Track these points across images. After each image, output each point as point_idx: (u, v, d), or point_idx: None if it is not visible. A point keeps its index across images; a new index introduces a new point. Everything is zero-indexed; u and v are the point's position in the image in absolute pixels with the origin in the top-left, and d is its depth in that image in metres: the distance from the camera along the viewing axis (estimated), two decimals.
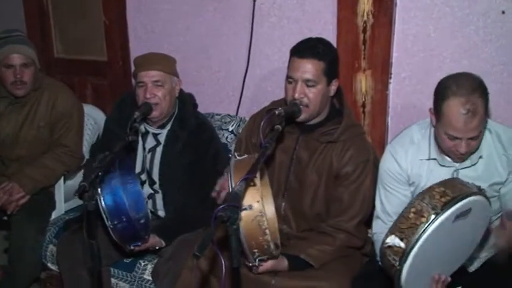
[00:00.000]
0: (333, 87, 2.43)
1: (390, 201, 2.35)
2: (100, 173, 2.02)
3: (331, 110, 2.49)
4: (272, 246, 2.06)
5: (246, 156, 2.20)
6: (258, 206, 1.96)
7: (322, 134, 2.45)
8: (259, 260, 2.12)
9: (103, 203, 2.28)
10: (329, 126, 2.46)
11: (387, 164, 2.33)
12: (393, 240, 1.93)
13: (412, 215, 1.93)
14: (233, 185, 1.96)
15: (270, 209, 2.36)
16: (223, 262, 1.65)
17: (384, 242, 1.97)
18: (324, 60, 2.35)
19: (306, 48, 2.34)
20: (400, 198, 2.32)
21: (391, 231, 1.96)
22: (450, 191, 1.94)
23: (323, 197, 2.46)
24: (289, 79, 2.37)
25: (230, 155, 2.19)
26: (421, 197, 1.96)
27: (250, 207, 1.95)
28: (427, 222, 1.89)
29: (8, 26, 3.27)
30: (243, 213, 1.94)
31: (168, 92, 2.76)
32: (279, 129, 2.10)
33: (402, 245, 1.91)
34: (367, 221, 2.50)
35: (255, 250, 2.06)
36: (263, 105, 2.80)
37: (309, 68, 2.32)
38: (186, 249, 2.57)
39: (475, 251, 2.18)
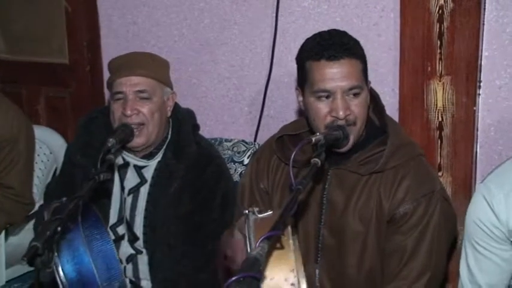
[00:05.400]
0: (368, 93, 2.46)
1: (483, 267, 2.31)
2: (59, 228, 1.99)
3: (370, 128, 2.50)
4: None
5: (270, 212, 2.17)
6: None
7: (362, 162, 2.44)
8: None
9: (62, 274, 2.26)
10: (370, 150, 2.45)
11: (478, 212, 2.30)
12: None
13: None
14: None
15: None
16: None
17: None
18: (360, 58, 2.39)
19: (334, 45, 2.35)
20: (497, 263, 2.28)
21: None
22: None
23: (375, 251, 2.45)
24: (321, 93, 2.36)
25: (246, 211, 2.17)
26: None
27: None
28: None
29: None
30: None
31: (158, 107, 2.76)
32: (318, 164, 2.07)
33: None
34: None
35: None
36: None
37: (348, 71, 2.34)
38: None
39: None
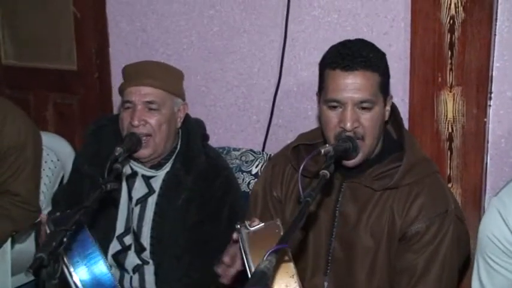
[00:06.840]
0: (388, 108, 2.44)
1: (495, 282, 2.27)
2: (65, 238, 1.96)
3: (387, 142, 2.48)
4: None
5: (261, 224, 2.16)
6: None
7: (376, 177, 2.42)
8: None
9: (76, 278, 2.23)
10: (385, 165, 2.43)
11: (492, 226, 2.26)
12: None
13: None
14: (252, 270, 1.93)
15: None
16: None
17: None
18: (379, 71, 2.35)
19: (352, 56, 2.32)
20: (510, 279, 2.24)
21: None
22: None
23: (385, 268, 2.42)
24: (333, 103, 2.34)
25: (237, 225, 2.16)
26: None
27: None
28: None
29: None
30: None
31: (166, 119, 2.75)
32: (327, 176, 2.05)
33: None
34: None
35: None
36: None
37: (362, 84, 2.31)
38: None
39: None
